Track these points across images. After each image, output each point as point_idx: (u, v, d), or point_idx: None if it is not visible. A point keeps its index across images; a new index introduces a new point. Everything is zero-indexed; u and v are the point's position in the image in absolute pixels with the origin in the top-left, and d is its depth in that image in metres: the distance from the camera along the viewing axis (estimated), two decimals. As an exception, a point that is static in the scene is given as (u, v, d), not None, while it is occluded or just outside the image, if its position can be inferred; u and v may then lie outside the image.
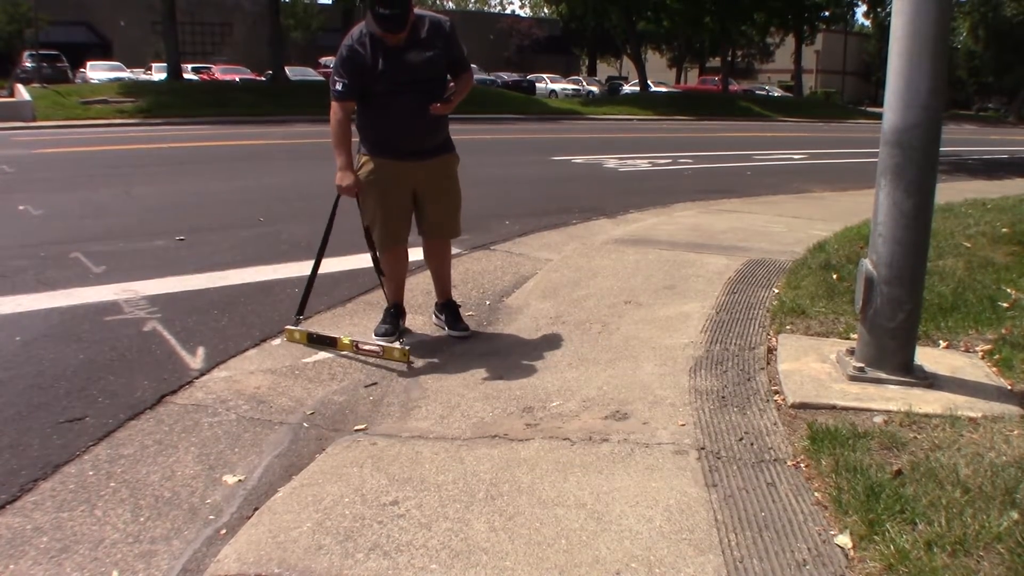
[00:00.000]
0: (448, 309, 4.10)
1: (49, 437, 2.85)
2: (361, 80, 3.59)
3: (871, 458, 2.43)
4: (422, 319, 4.24)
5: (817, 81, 63.30)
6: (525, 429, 2.83)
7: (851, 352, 3.22)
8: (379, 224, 3.81)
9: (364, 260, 5.43)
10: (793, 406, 2.91)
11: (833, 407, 2.88)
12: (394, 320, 3.96)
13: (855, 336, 3.32)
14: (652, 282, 4.79)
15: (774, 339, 3.61)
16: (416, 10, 3.56)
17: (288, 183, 9.40)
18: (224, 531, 2.30)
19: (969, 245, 5.54)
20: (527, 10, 77.63)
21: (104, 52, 44.87)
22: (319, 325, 4.09)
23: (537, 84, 41.85)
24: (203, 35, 51.09)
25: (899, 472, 2.34)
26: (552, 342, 3.81)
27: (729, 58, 47.58)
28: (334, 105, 3.63)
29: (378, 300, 4.55)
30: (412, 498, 2.36)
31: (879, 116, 3.22)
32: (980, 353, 3.43)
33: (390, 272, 3.94)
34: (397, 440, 2.79)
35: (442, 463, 2.58)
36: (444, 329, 4.07)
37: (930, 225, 3.04)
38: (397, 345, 3.65)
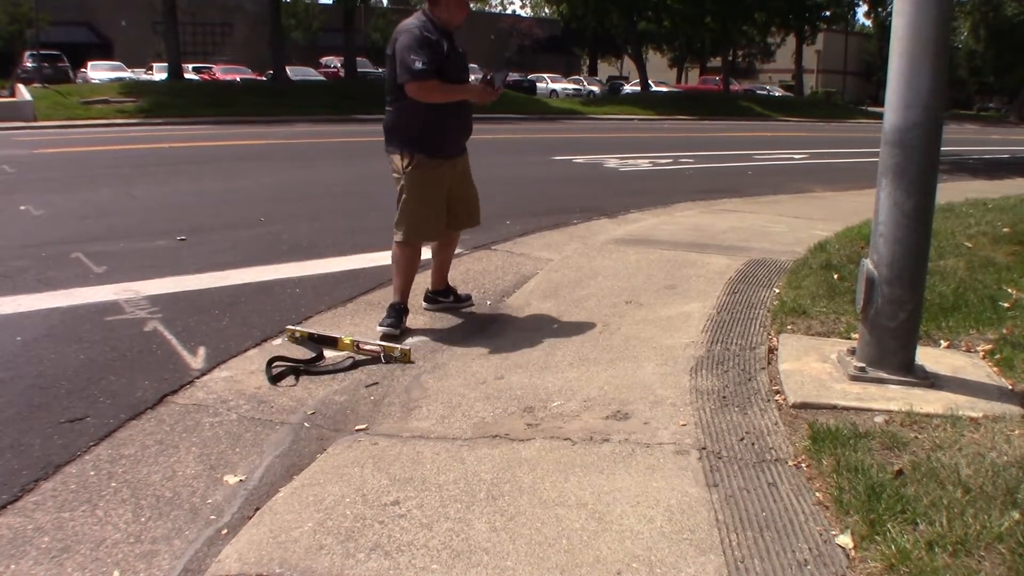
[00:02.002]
0: (452, 291, 4.43)
1: (50, 437, 2.85)
2: (438, 65, 3.71)
3: (872, 458, 2.43)
4: (423, 319, 4.24)
5: (818, 81, 63.31)
6: (526, 429, 2.83)
7: (852, 352, 3.21)
8: (422, 220, 3.99)
9: (364, 260, 5.46)
10: (794, 406, 2.91)
11: (834, 407, 2.87)
12: (399, 316, 4.05)
13: (856, 336, 3.32)
14: (653, 282, 4.79)
15: (775, 339, 3.61)
16: None
17: (289, 183, 9.40)
18: (225, 531, 2.30)
19: (970, 245, 5.54)
20: (528, 10, 77.57)
21: (105, 52, 44.87)
22: (320, 325, 4.09)
23: (538, 84, 41.79)
24: (204, 35, 51.10)
25: (900, 472, 2.34)
26: (553, 342, 3.80)
27: (730, 58, 47.57)
28: (421, 83, 3.69)
29: (379, 300, 4.56)
30: (413, 498, 2.36)
31: (880, 116, 3.22)
32: (981, 353, 3.42)
33: (407, 268, 4.09)
34: (398, 440, 2.79)
35: (443, 463, 2.58)
36: (456, 307, 4.36)
37: (931, 225, 3.04)
38: (398, 345, 3.66)
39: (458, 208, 4.14)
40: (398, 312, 4.05)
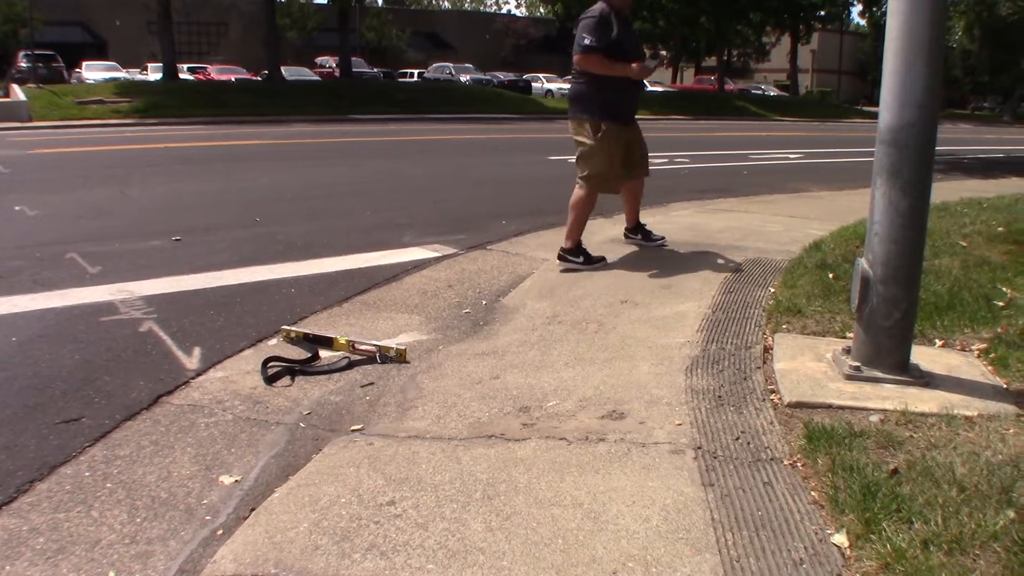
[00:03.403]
0: (640, 229, 5.73)
1: (45, 438, 2.84)
2: (607, 44, 4.79)
3: (867, 457, 2.43)
4: (418, 319, 4.24)
5: (813, 80, 63.48)
6: (522, 429, 2.83)
7: (847, 351, 3.22)
8: (604, 174, 5.10)
9: (359, 260, 5.47)
10: (789, 405, 2.91)
11: (829, 406, 2.88)
12: (586, 255, 5.23)
13: (851, 335, 3.32)
14: (648, 281, 4.79)
15: (770, 338, 3.62)
16: None
17: (284, 183, 9.39)
18: (221, 532, 2.29)
19: (965, 244, 5.56)
20: (523, 9, 77.68)
21: (99, 52, 44.83)
22: (315, 325, 4.09)
23: (533, 84, 41.79)
24: (199, 35, 51.06)
25: (895, 471, 2.34)
26: (549, 342, 3.80)
27: (725, 57, 47.63)
28: (585, 56, 4.80)
29: (374, 300, 4.56)
30: (409, 498, 2.36)
31: (875, 115, 3.23)
32: (976, 352, 3.43)
33: (584, 214, 5.21)
34: (394, 440, 2.79)
35: (439, 463, 2.58)
36: (643, 243, 5.65)
37: (926, 224, 3.05)
38: (394, 344, 3.66)
39: (635, 162, 5.33)
40: (578, 251, 5.20)
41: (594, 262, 5.18)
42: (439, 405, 3.10)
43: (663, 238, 5.69)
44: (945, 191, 8.72)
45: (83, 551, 2.20)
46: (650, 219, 7.15)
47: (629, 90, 5.10)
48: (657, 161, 13.13)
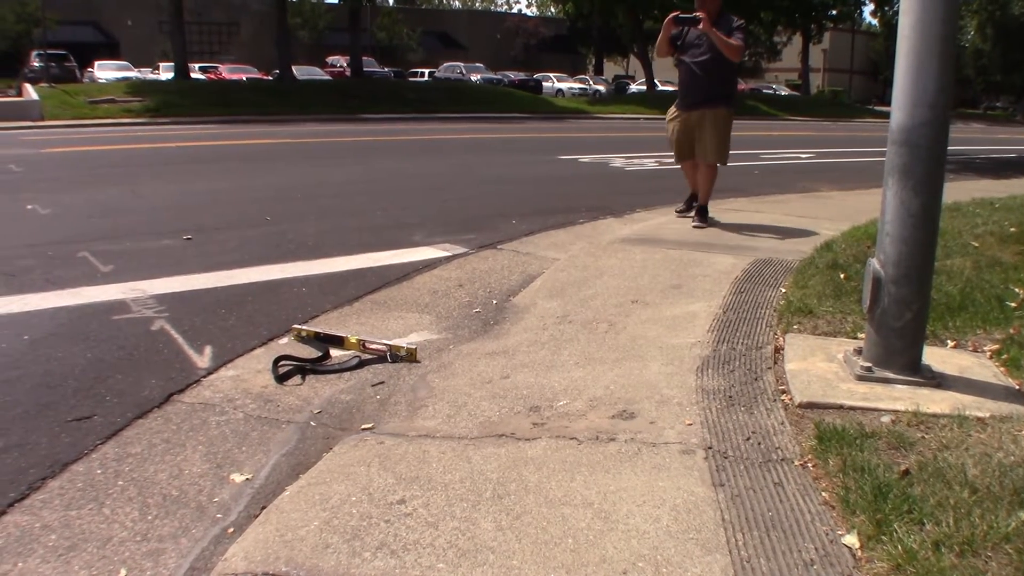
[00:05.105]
0: (700, 211, 6.68)
1: (57, 436, 2.86)
2: (666, 34, 6.34)
3: (879, 458, 2.42)
4: (429, 318, 4.24)
5: (824, 80, 63.27)
6: (532, 428, 2.83)
7: (858, 351, 3.21)
8: (672, 146, 6.65)
9: (370, 260, 5.48)
10: (800, 405, 2.91)
11: (840, 407, 2.87)
12: (688, 203, 6.96)
13: (862, 335, 3.31)
14: (659, 281, 4.78)
15: (781, 338, 3.61)
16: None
17: (295, 183, 9.41)
18: (232, 529, 2.30)
19: (977, 244, 5.52)
20: (534, 9, 77.67)
21: (111, 51, 45.08)
22: (326, 324, 4.10)
23: (544, 83, 41.79)
24: (210, 34, 51.26)
25: (907, 472, 2.33)
26: (559, 341, 3.80)
27: (736, 57, 47.41)
28: None
29: (384, 299, 4.57)
30: (419, 497, 2.36)
31: (886, 115, 3.22)
32: (988, 353, 3.41)
33: (686, 175, 6.92)
34: (404, 439, 2.79)
35: (449, 462, 2.58)
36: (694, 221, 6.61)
37: (938, 224, 3.03)
38: (404, 343, 3.66)
39: (692, 146, 6.47)
40: (689, 201, 6.95)
41: (684, 212, 6.95)
42: (449, 404, 3.10)
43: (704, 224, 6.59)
44: (957, 191, 8.67)
45: (95, 548, 2.21)
46: (660, 219, 7.16)
47: (684, 82, 6.38)
48: (668, 160, 13.07)
